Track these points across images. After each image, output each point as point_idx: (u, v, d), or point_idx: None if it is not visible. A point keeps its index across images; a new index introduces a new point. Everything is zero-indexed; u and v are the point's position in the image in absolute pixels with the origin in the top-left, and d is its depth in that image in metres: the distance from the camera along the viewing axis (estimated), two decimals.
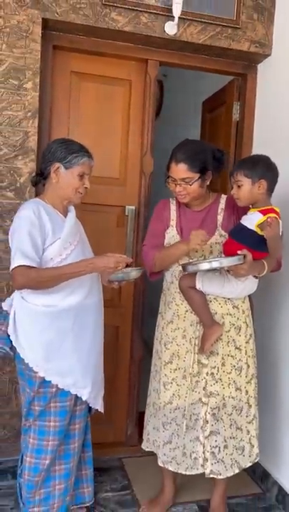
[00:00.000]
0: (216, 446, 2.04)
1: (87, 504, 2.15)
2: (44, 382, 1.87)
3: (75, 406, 1.97)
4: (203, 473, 2.06)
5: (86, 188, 1.94)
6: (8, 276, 2.10)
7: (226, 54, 2.63)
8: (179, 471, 2.09)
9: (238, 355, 2.06)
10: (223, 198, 2.13)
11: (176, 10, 2.37)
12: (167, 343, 2.10)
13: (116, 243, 2.60)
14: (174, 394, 2.07)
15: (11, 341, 1.88)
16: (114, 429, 2.77)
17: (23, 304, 1.86)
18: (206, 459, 2.05)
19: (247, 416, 2.11)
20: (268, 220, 1.81)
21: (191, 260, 2.01)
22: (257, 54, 2.62)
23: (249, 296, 2.14)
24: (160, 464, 2.14)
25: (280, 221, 1.87)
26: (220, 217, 2.08)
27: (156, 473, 2.32)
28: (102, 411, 2.08)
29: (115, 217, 2.66)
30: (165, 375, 2.10)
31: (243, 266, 1.82)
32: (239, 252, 1.82)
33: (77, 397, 1.95)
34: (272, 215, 1.83)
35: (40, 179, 2.00)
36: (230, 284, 1.99)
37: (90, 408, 2.06)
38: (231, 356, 2.05)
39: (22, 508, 2.01)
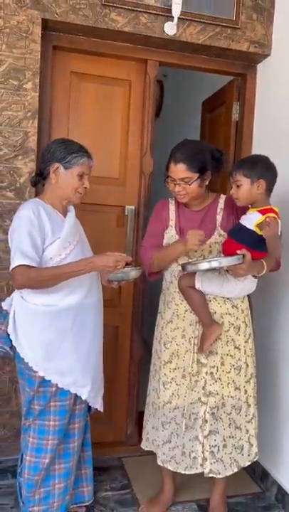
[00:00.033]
0: (215, 445, 2.04)
1: (87, 503, 2.16)
2: (44, 382, 1.88)
3: (75, 405, 1.97)
4: (203, 472, 2.07)
5: (85, 188, 1.94)
6: (8, 275, 2.11)
7: (225, 54, 2.64)
8: (178, 471, 2.09)
9: (237, 355, 2.07)
10: (222, 197, 2.13)
11: (176, 10, 2.37)
12: (166, 342, 2.11)
13: (116, 243, 2.61)
14: (173, 393, 2.08)
15: (11, 341, 1.89)
16: (114, 428, 2.77)
17: (22, 304, 1.87)
18: (205, 459, 2.05)
19: (246, 415, 2.11)
20: (267, 219, 1.81)
21: (190, 260, 2.02)
22: (256, 54, 2.62)
23: (248, 295, 2.14)
24: (159, 463, 2.15)
25: (279, 221, 1.87)
26: (219, 217, 2.08)
27: (156, 473, 2.32)
28: (102, 410, 2.09)
29: (115, 217, 2.67)
30: (164, 374, 2.10)
31: (242, 266, 1.82)
32: (238, 251, 1.82)
33: (76, 397, 1.95)
34: (271, 214, 1.84)
35: (39, 179, 2.00)
36: (230, 284, 1.99)
37: (89, 407, 2.07)
38: (230, 356, 2.06)
39: (22, 507, 2.01)
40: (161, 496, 2.28)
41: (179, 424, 2.07)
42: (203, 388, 2.04)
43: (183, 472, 2.09)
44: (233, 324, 2.06)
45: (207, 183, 2.05)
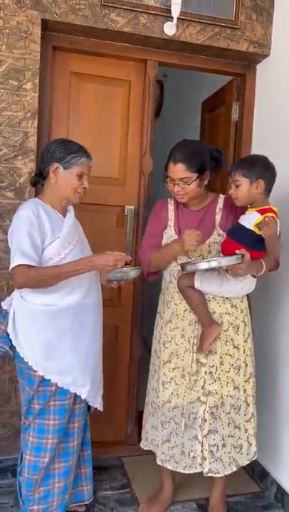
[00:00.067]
0: (214, 444, 2.05)
1: (87, 502, 2.16)
2: (43, 381, 1.88)
3: (74, 404, 1.98)
4: (202, 471, 2.07)
5: (85, 188, 1.95)
6: (7, 275, 2.11)
7: (224, 54, 2.64)
8: (178, 470, 2.10)
9: (236, 354, 2.07)
10: (221, 197, 2.13)
11: (175, 10, 2.38)
12: (166, 342, 2.11)
13: (115, 243, 2.61)
14: (172, 393, 2.08)
15: (11, 340, 1.89)
16: (114, 428, 2.78)
17: (22, 303, 1.87)
18: (204, 458, 2.06)
19: (245, 414, 2.12)
20: (266, 219, 1.82)
21: (189, 260, 2.02)
22: (256, 54, 2.62)
23: (247, 295, 2.15)
24: (159, 462, 2.15)
25: (278, 220, 1.87)
26: (218, 217, 2.09)
27: (156, 472, 2.32)
28: (102, 409, 2.09)
29: (115, 217, 2.67)
30: (164, 374, 2.11)
31: (241, 265, 1.82)
32: (237, 251, 1.83)
33: (76, 396, 1.96)
34: (270, 214, 1.84)
35: (39, 179, 2.01)
36: (229, 284, 2.00)
37: (89, 407, 2.07)
38: (230, 355, 2.06)
39: (22, 506, 2.02)
40: (160, 495, 2.28)
41: (178, 423, 2.07)
42: (203, 388, 2.04)
43: (182, 471, 2.09)
44: (232, 324, 2.07)
45: (206, 183, 2.06)
